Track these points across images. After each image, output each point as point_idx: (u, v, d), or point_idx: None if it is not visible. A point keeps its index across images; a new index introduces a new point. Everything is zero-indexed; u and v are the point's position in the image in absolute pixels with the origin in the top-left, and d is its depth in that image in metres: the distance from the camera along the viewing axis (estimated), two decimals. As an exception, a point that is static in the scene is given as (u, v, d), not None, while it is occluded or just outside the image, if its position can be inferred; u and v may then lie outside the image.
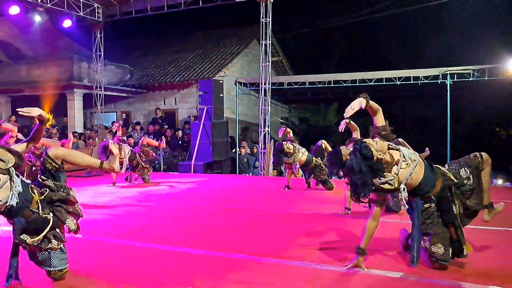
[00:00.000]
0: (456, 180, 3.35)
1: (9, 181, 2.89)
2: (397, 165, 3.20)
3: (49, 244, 3.03)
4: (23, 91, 15.41)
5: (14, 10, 12.19)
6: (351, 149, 3.22)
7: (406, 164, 3.22)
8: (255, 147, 12.97)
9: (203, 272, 3.35)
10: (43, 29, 13.48)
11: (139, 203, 6.49)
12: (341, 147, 4.24)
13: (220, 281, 3.17)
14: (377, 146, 3.09)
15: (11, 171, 2.89)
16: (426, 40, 19.52)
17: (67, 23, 13.47)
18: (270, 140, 11.67)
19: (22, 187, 2.94)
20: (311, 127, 19.75)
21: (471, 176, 3.40)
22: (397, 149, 3.27)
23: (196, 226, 4.85)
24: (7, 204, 2.90)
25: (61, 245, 3.09)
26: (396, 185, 3.19)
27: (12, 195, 2.90)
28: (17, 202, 2.91)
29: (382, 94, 16.18)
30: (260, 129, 11.82)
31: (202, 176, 10.20)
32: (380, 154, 3.07)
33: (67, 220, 3.09)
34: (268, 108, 11.74)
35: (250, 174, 12.34)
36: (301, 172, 12.51)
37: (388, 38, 19.82)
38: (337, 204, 6.14)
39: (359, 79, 12.99)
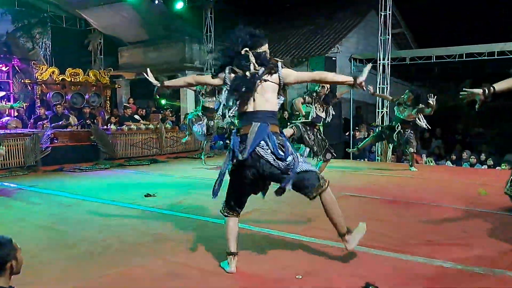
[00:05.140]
0: None
1: None
2: None
3: None
4: (140, 74, 16.97)
5: (131, -4, 13.48)
6: None
7: None
8: (371, 130, 12.61)
9: (311, 261, 3.39)
10: (158, 12, 14.60)
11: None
12: None
13: (328, 271, 3.17)
14: None
15: None
16: None
17: (179, 5, 14.45)
18: (389, 122, 11.23)
19: None
20: (438, 108, 18.51)
21: None
22: None
23: (304, 214, 4.88)
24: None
25: None
26: None
27: None
28: None
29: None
30: (377, 110, 11.44)
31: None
32: None
33: None
34: (387, 87, 11.32)
35: (366, 159, 12.03)
36: (425, 158, 11.89)
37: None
38: (466, 195, 5.78)
39: (497, 51, 11.84)
